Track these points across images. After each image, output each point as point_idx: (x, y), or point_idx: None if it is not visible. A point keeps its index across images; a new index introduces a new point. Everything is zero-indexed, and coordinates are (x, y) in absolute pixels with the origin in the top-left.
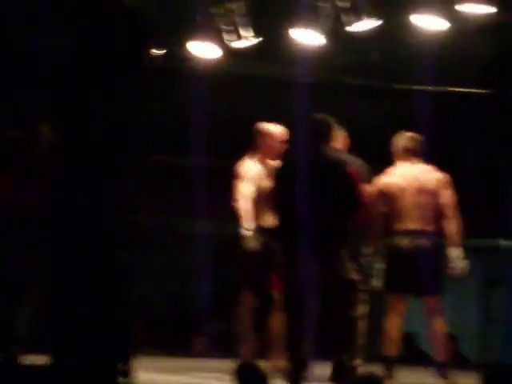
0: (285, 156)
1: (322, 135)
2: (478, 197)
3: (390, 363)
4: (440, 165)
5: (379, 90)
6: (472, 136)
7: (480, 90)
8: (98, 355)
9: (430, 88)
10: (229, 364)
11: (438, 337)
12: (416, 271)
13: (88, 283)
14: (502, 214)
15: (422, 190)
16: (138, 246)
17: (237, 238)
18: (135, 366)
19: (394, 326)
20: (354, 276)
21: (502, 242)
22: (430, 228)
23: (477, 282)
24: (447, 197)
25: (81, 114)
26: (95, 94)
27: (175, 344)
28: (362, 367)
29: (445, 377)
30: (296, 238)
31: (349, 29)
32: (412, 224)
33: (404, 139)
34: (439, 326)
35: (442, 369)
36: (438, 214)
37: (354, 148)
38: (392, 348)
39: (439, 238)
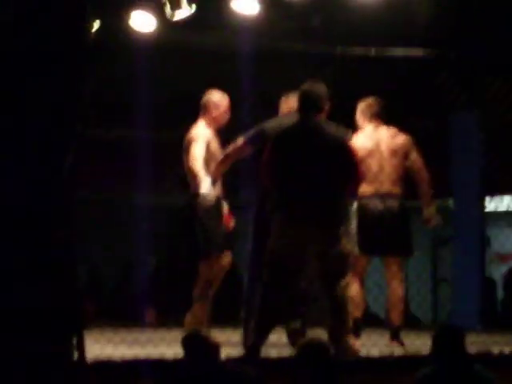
0: (272, 127)
1: (316, 107)
2: (426, 158)
3: (356, 326)
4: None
5: (323, 55)
6: (418, 97)
7: (424, 51)
8: (50, 333)
9: (373, 51)
10: (181, 334)
11: (395, 300)
12: (387, 233)
13: (31, 265)
14: (450, 174)
15: (391, 153)
16: (81, 221)
17: (192, 203)
18: (88, 341)
19: (358, 288)
20: (350, 248)
21: (451, 202)
22: (397, 190)
23: (426, 241)
24: (416, 158)
25: (17, 90)
26: (32, 70)
27: (126, 316)
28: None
29: (399, 342)
30: (295, 210)
31: None
32: (381, 186)
33: (369, 103)
34: (399, 289)
35: (396, 333)
36: (403, 176)
37: None
38: (357, 311)
39: (405, 199)
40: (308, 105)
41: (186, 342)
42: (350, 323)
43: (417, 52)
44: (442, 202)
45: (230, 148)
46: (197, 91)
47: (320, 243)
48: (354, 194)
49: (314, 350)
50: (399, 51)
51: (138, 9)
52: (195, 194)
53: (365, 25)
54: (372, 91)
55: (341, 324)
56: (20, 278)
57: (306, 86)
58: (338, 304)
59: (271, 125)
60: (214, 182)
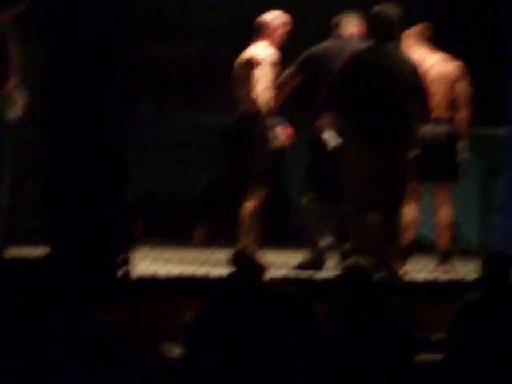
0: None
1: (389, 34)
2: (478, 85)
3: (407, 251)
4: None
5: None
6: (470, 21)
7: None
8: (97, 247)
9: None
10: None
11: (444, 226)
12: (435, 158)
13: (87, 176)
14: (502, 102)
15: (442, 78)
16: (137, 138)
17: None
18: (134, 258)
19: (416, 213)
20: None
21: (502, 131)
22: (448, 116)
23: (476, 170)
24: (465, 87)
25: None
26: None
27: (175, 235)
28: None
29: (447, 266)
30: (370, 132)
31: None
32: (432, 112)
33: (423, 28)
34: (447, 214)
35: (445, 258)
36: (453, 102)
37: None
38: (410, 235)
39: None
40: (382, 30)
41: (234, 260)
42: (400, 248)
43: None
44: (495, 131)
45: (282, 78)
46: (250, 12)
47: (389, 164)
48: (427, 119)
49: (356, 272)
50: None
51: None
52: (250, 115)
53: None
54: (425, 16)
55: (391, 248)
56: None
57: (379, 9)
58: (392, 228)
59: (320, 49)
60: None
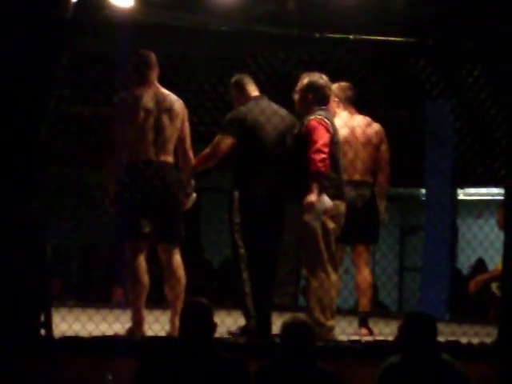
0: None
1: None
2: (400, 147)
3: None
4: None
5: (298, 39)
6: (394, 85)
7: (402, 39)
8: (17, 309)
9: (350, 37)
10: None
11: (365, 287)
12: (358, 220)
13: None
14: (423, 164)
15: (365, 143)
16: (51, 196)
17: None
18: (55, 318)
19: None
20: None
21: (422, 191)
22: (369, 178)
23: (395, 230)
24: (385, 150)
25: None
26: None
27: (94, 295)
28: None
29: (368, 329)
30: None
31: None
32: (355, 175)
33: (342, 88)
34: (366, 275)
35: (365, 320)
36: (374, 165)
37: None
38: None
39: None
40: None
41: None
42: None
43: (394, 39)
44: (414, 191)
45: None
46: (172, 68)
47: None
48: None
49: (299, 327)
50: (377, 37)
51: None
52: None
53: (341, 11)
54: (346, 77)
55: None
56: None
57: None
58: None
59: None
60: None
